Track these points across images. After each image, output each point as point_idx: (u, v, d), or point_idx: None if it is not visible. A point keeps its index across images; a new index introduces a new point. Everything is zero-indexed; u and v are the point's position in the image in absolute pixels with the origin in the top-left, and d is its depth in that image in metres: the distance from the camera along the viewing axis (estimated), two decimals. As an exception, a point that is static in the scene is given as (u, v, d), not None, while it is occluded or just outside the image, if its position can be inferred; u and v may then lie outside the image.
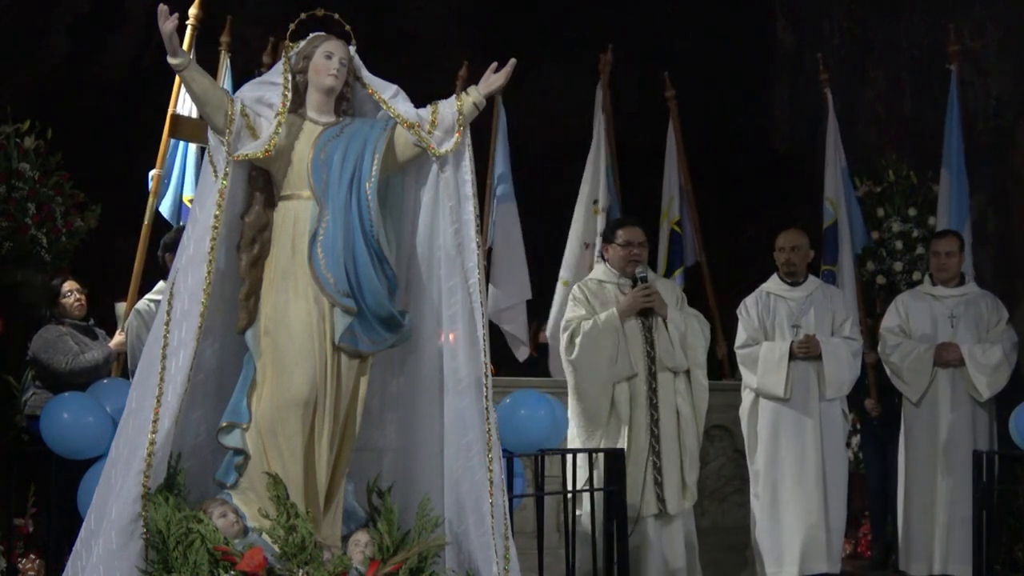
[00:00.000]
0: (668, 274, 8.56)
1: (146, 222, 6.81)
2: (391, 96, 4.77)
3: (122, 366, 6.57)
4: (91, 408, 5.32)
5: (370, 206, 4.53)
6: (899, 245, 8.40)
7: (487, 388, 4.63)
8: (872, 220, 8.45)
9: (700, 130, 9.69)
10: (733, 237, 10.44)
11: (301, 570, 4.30)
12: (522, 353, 8.49)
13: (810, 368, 6.85)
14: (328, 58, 4.68)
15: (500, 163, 8.35)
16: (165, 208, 7.22)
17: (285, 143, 4.59)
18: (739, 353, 7.03)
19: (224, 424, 4.51)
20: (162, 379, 4.37)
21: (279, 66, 4.75)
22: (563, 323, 6.50)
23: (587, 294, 6.50)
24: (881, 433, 7.83)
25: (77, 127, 8.21)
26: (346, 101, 4.79)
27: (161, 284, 6.45)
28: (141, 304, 6.63)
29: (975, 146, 8.04)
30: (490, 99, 4.92)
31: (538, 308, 9.05)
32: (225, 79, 7.26)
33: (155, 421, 4.32)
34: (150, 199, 6.89)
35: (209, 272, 4.44)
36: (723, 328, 8.30)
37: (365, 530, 4.60)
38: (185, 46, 4.51)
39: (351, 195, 4.55)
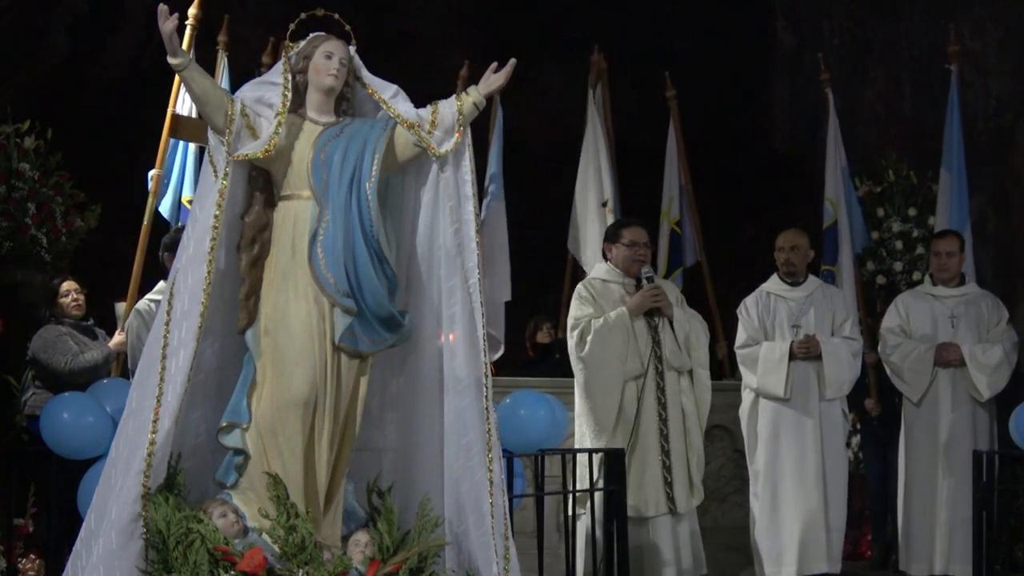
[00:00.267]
0: (668, 274, 8.56)
1: (146, 222, 6.80)
2: (391, 96, 4.77)
3: (122, 366, 6.57)
4: (91, 408, 5.32)
5: (370, 206, 4.53)
6: (899, 245, 8.40)
7: (487, 388, 4.63)
8: (872, 220, 8.45)
9: (700, 130, 9.70)
10: (733, 237, 10.44)
11: (301, 570, 4.30)
12: (496, 354, 8.41)
13: (810, 368, 6.85)
14: (328, 58, 4.68)
15: (493, 163, 8.34)
16: (164, 208, 7.22)
17: (285, 143, 4.59)
18: (739, 353, 7.03)
19: (224, 424, 4.51)
20: (162, 379, 4.37)
21: (279, 66, 4.75)
22: (571, 321, 6.50)
23: (593, 293, 6.51)
24: (881, 433, 7.83)
25: (77, 127, 8.21)
26: (346, 101, 4.78)
27: (161, 284, 6.46)
28: (141, 304, 6.64)
29: (975, 146, 8.04)
30: (489, 99, 4.92)
31: (538, 308, 9.05)
32: (223, 79, 7.26)
33: (155, 421, 4.32)
34: (150, 199, 6.88)
35: (209, 272, 4.44)
36: (723, 328, 8.30)
37: (365, 530, 4.59)
38: (185, 46, 4.51)
39: (351, 195, 4.55)
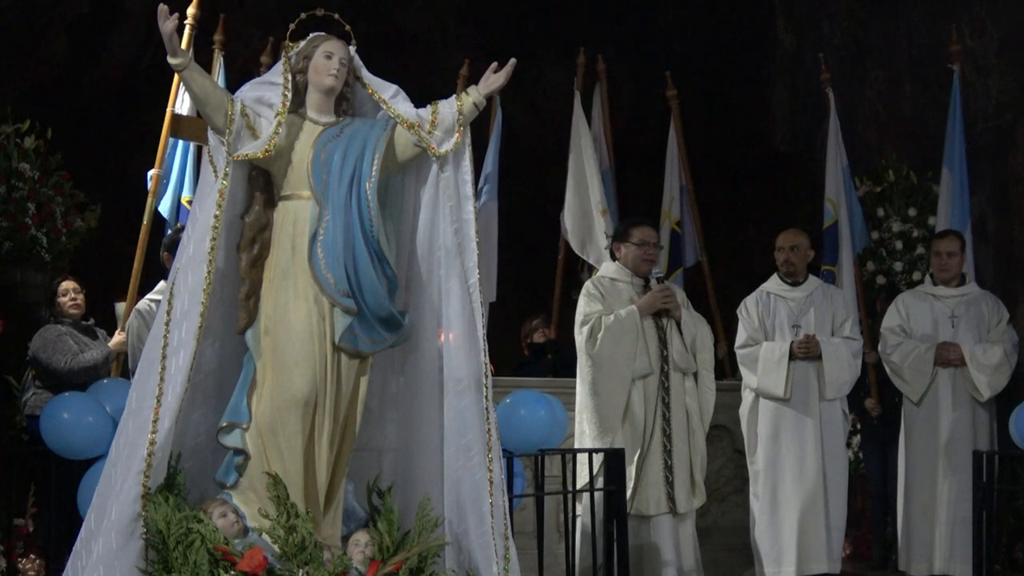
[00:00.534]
0: (669, 274, 8.54)
1: (145, 222, 6.80)
2: (391, 96, 4.77)
3: (122, 366, 6.57)
4: (91, 408, 5.32)
5: (370, 206, 4.53)
6: (899, 245, 8.39)
7: (487, 388, 4.63)
8: (872, 220, 8.44)
9: (701, 130, 9.70)
10: (734, 237, 10.44)
11: (301, 570, 4.30)
12: None
13: (810, 368, 6.86)
14: (328, 58, 4.68)
15: (489, 163, 8.32)
16: (164, 208, 7.21)
17: (285, 143, 4.59)
18: (739, 353, 7.03)
19: (224, 424, 4.52)
20: (162, 379, 4.37)
21: (279, 66, 4.75)
22: (580, 318, 6.50)
23: (601, 290, 6.51)
24: (881, 433, 7.82)
25: (77, 127, 8.21)
26: (346, 101, 4.79)
27: (161, 284, 6.45)
28: (141, 304, 6.64)
29: (975, 146, 8.02)
30: (489, 99, 4.92)
31: (537, 308, 9.05)
32: (219, 78, 7.25)
33: (155, 421, 4.32)
34: (149, 199, 6.88)
35: (209, 272, 4.44)
36: (723, 328, 8.30)
37: (365, 530, 4.60)
38: (184, 46, 4.50)
39: (351, 195, 4.55)
